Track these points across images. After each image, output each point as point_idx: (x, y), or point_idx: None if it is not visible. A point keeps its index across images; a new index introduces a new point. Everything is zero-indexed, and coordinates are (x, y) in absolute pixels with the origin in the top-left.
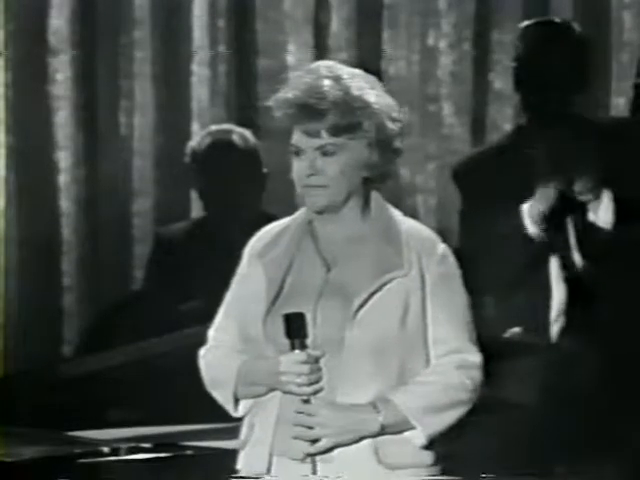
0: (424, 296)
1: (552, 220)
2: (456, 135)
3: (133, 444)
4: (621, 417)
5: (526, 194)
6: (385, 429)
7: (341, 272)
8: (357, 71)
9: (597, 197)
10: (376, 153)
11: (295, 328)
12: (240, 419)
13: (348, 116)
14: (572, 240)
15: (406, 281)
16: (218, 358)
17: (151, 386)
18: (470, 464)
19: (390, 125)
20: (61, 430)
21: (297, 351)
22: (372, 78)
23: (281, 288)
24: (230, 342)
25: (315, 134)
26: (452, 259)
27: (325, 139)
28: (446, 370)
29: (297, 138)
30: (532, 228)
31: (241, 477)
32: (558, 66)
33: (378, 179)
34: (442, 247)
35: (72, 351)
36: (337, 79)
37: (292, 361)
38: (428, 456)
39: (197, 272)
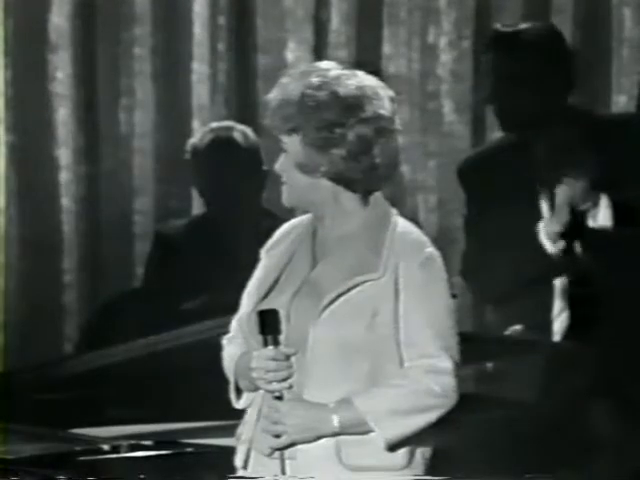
0: (397, 300)
1: (569, 237)
2: (456, 133)
3: (134, 442)
4: (621, 419)
5: (531, 194)
6: (343, 430)
7: (321, 270)
8: (332, 72)
9: (596, 204)
10: (313, 154)
11: (268, 324)
12: (243, 417)
13: (283, 117)
14: (576, 246)
15: (378, 284)
16: (231, 348)
17: (151, 384)
18: (469, 464)
19: (324, 131)
20: (61, 427)
21: (269, 347)
22: (352, 78)
23: (275, 283)
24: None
25: (272, 128)
26: (438, 263)
27: (279, 136)
28: (414, 374)
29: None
30: (550, 248)
31: (240, 477)
32: (522, 74)
33: (356, 183)
34: (428, 251)
35: (73, 348)
36: (297, 77)
37: (262, 357)
38: (397, 458)
39: (198, 269)
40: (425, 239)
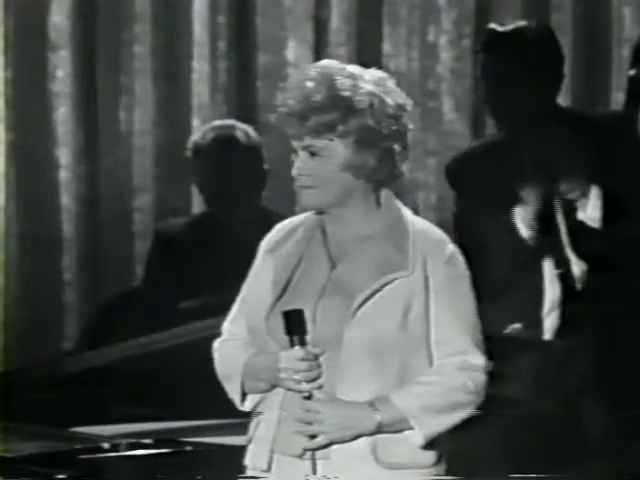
0: (428, 297)
1: (542, 222)
2: (456, 131)
3: (133, 440)
4: (615, 418)
5: (519, 192)
6: (382, 428)
7: (344, 270)
8: (357, 69)
9: (585, 195)
10: (363, 154)
11: (294, 325)
12: (242, 415)
13: (325, 118)
14: (564, 238)
15: (409, 282)
16: (229, 351)
17: (150, 382)
18: (472, 463)
19: (378, 126)
20: (61, 426)
21: (297, 347)
22: (381, 76)
23: (288, 284)
24: (243, 335)
25: (298, 137)
26: (460, 260)
27: (308, 141)
28: (448, 371)
29: (291, 137)
30: (525, 231)
31: (247, 477)
32: (512, 73)
33: (383, 181)
34: (450, 248)
35: (72, 347)
36: (323, 79)
37: (291, 358)
38: (429, 456)
39: (197, 268)
40: (445, 237)
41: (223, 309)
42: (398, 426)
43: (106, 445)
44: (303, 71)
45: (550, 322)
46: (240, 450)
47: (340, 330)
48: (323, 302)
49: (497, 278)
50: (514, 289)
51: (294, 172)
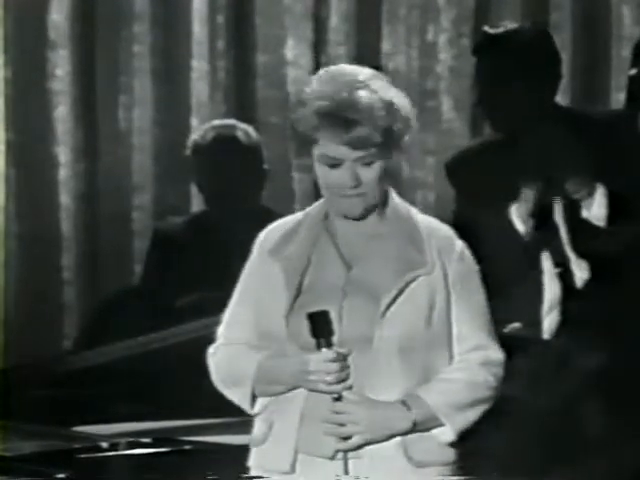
0: (448, 293)
1: (539, 218)
2: (455, 130)
3: (132, 439)
4: (615, 418)
5: (518, 190)
6: (416, 426)
7: (363, 271)
8: (370, 71)
9: (590, 194)
10: (394, 157)
11: (320, 326)
12: (241, 414)
13: (382, 124)
14: (564, 237)
15: (430, 279)
16: (233, 356)
17: (149, 381)
18: (480, 462)
19: (399, 130)
20: (60, 425)
21: (324, 349)
22: (382, 76)
23: (300, 286)
24: (245, 339)
25: (357, 146)
26: (470, 256)
27: (365, 150)
28: (470, 367)
29: (334, 150)
30: (521, 227)
31: (253, 477)
32: (506, 76)
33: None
34: (460, 244)
35: (71, 345)
36: (367, 86)
37: (321, 359)
38: (451, 453)
39: (196, 266)
40: (453, 232)
41: (221, 308)
42: (429, 424)
43: (105, 444)
44: (329, 77)
45: (549, 321)
46: (239, 449)
47: (368, 330)
48: (347, 303)
49: (497, 276)
50: (514, 288)
51: (346, 183)
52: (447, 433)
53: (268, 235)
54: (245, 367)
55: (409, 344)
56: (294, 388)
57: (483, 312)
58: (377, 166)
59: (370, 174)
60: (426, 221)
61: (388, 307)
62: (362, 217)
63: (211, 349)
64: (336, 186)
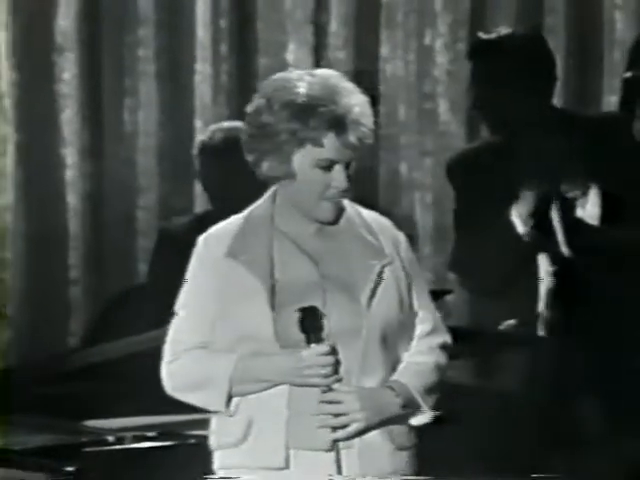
0: (409, 282)
1: (539, 220)
2: (452, 132)
3: (138, 433)
4: (609, 413)
5: (517, 190)
6: (402, 410)
7: (331, 265)
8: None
9: (585, 194)
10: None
11: (310, 322)
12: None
13: (371, 124)
14: (560, 236)
15: (393, 268)
16: (201, 358)
17: (155, 377)
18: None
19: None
20: (67, 420)
21: (315, 344)
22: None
23: (273, 285)
24: (206, 343)
25: (357, 147)
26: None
27: (357, 152)
28: (432, 350)
29: (334, 151)
30: (520, 228)
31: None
32: (502, 79)
33: None
34: (402, 234)
35: (77, 343)
36: (354, 89)
37: (315, 354)
38: (414, 437)
39: None
40: (391, 223)
41: None
42: (409, 407)
43: (111, 438)
44: (325, 84)
45: (545, 319)
46: None
47: (354, 323)
48: (329, 298)
49: (494, 274)
50: (510, 286)
51: (340, 185)
52: (425, 415)
53: (215, 239)
54: (219, 368)
55: (389, 331)
56: (274, 386)
57: (430, 298)
58: (352, 167)
59: (348, 175)
60: (371, 215)
61: (371, 298)
62: (335, 221)
63: (167, 357)
64: (332, 187)
